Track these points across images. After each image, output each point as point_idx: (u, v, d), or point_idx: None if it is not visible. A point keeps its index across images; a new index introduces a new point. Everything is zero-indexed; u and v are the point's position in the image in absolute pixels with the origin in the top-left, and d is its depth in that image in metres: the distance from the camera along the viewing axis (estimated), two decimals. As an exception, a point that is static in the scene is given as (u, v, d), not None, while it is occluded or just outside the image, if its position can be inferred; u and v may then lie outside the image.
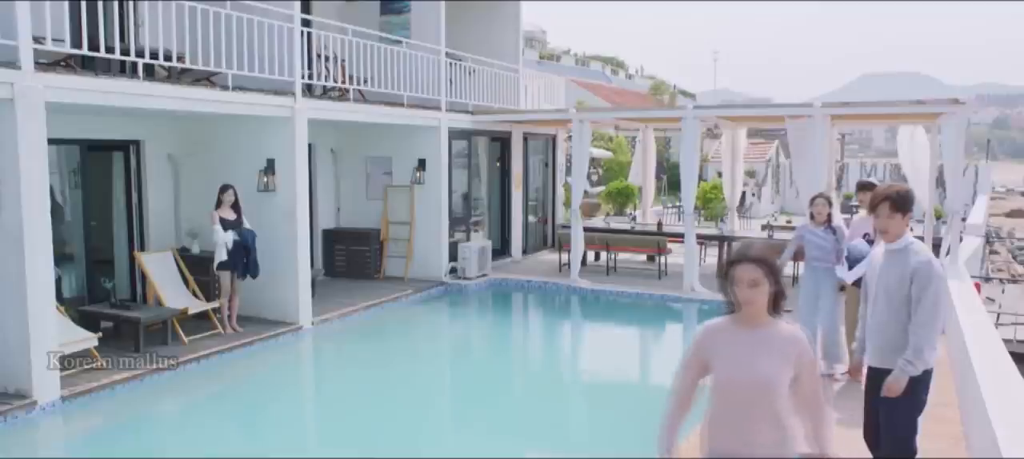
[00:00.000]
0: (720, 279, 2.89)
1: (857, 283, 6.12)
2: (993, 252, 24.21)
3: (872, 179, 7.98)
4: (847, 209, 15.85)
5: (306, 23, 10.10)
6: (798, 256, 7.72)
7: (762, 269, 2.74)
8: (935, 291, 3.89)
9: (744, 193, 21.02)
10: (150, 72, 8.45)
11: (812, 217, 7.20)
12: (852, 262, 6.65)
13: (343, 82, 11.18)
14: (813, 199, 7.25)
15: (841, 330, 7.13)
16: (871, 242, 6.54)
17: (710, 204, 20.46)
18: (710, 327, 2.93)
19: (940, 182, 16.03)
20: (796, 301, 7.29)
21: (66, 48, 7.04)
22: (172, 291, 9.12)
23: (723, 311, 2.94)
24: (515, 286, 13.00)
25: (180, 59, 8.51)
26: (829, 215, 7.09)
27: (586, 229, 13.36)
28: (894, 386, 3.92)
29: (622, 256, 13.95)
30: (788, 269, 7.84)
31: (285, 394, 8.24)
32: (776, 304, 2.83)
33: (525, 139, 15.04)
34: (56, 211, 8.09)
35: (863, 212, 7.45)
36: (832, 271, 7.04)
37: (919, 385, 3.96)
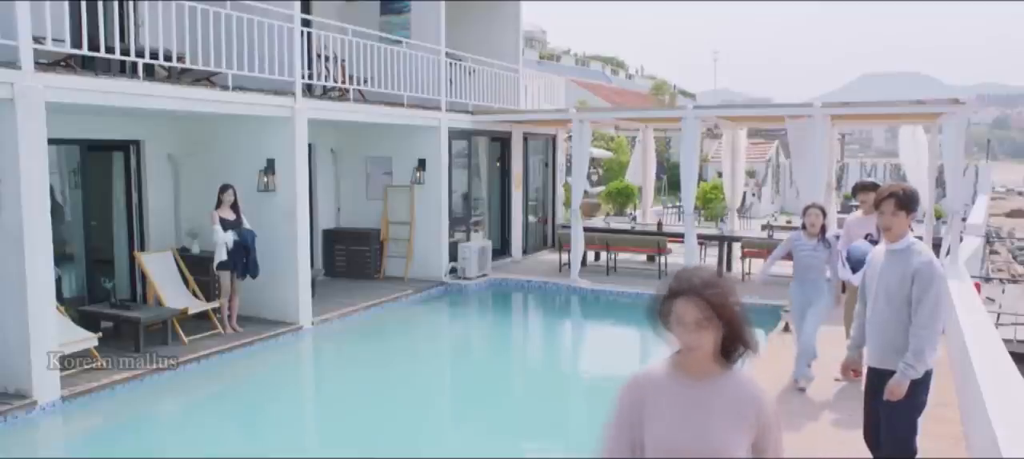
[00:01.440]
0: (655, 315, 2.22)
1: None
2: (993, 252, 24.20)
3: (872, 179, 7.85)
4: (847, 209, 15.85)
5: (306, 23, 10.10)
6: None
7: (709, 305, 2.08)
8: (936, 292, 3.89)
9: (744, 193, 21.03)
10: (150, 72, 8.45)
11: (804, 228, 6.75)
12: (855, 263, 6.53)
13: (343, 82, 11.18)
14: (806, 209, 6.79)
15: (815, 345, 6.73)
16: (875, 242, 6.51)
17: (710, 204, 20.46)
18: (641, 377, 2.26)
19: (940, 182, 16.03)
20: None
21: (66, 48, 7.04)
22: (172, 291, 9.12)
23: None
24: (515, 286, 13.00)
25: (180, 59, 8.51)
26: (823, 226, 6.67)
27: (586, 229, 13.36)
28: (896, 389, 3.91)
29: (622, 256, 13.95)
30: (778, 268, 7.58)
31: (285, 394, 8.24)
32: (730, 349, 2.17)
33: (525, 139, 15.04)
34: (56, 211, 8.09)
35: (860, 212, 7.40)
36: (821, 283, 6.68)
37: (919, 386, 3.96)
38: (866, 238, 6.74)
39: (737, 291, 2.18)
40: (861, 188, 7.34)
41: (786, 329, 8.49)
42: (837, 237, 7.03)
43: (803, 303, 6.76)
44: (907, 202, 4.02)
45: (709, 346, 2.13)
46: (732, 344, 2.16)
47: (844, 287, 7.13)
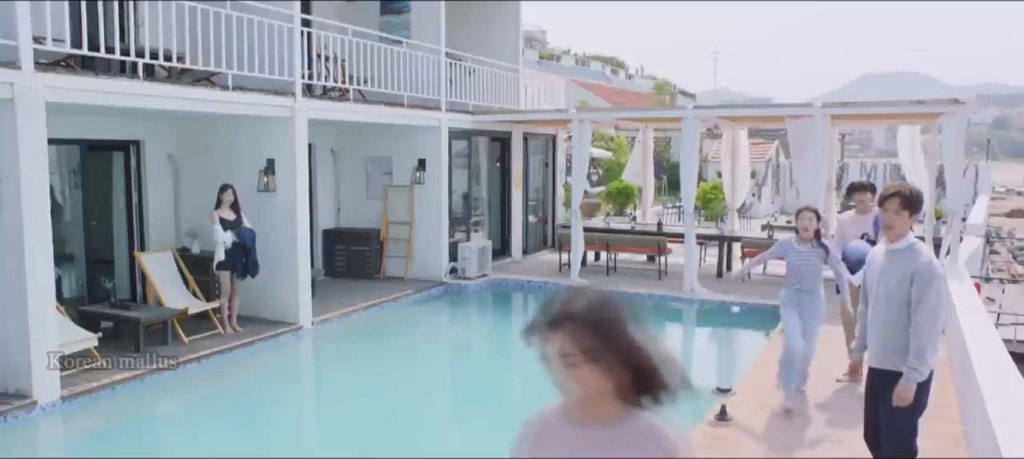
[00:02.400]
0: (530, 336, 1.77)
1: None
2: (993, 252, 24.20)
3: (866, 180, 7.71)
4: (847, 209, 15.85)
5: (306, 23, 10.10)
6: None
7: (582, 339, 1.65)
8: (936, 293, 3.88)
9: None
10: (150, 72, 8.45)
11: (796, 232, 6.26)
12: (854, 264, 6.46)
13: (343, 82, 11.18)
14: (798, 212, 6.28)
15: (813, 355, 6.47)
16: (872, 242, 6.49)
17: (710, 204, 20.46)
18: (535, 414, 1.94)
19: (940, 182, 16.04)
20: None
21: (66, 48, 7.04)
22: (172, 291, 9.12)
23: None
24: (515, 286, 13.00)
25: (180, 59, 8.51)
26: (817, 231, 6.18)
27: (586, 229, 13.36)
28: (904, 395, 3.90)
29: (622, 256, 13.94)
30: (775, 268, 7.33)
31: (285, 394, 8.24)
32: (640, 390, 1.70)
33: (525, 139, 15.04)
34: (56, 211, 8.09)
35: (851, 212, 7.35)
36: (816, 292, 6.23)
37: (921, 387, 3.95)
38: (862, 238, 6.69)
39: (628, 319, 1.69)
40: (856, 188, 7.14)
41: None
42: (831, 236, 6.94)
43: (797, 314, 6.29)
44: (912, 202, 4.00)
45: (593, 387, 1.69)
46: (640, 384, 1.69)
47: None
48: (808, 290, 6.21)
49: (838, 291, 6.57)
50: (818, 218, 6.24)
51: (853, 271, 6.39)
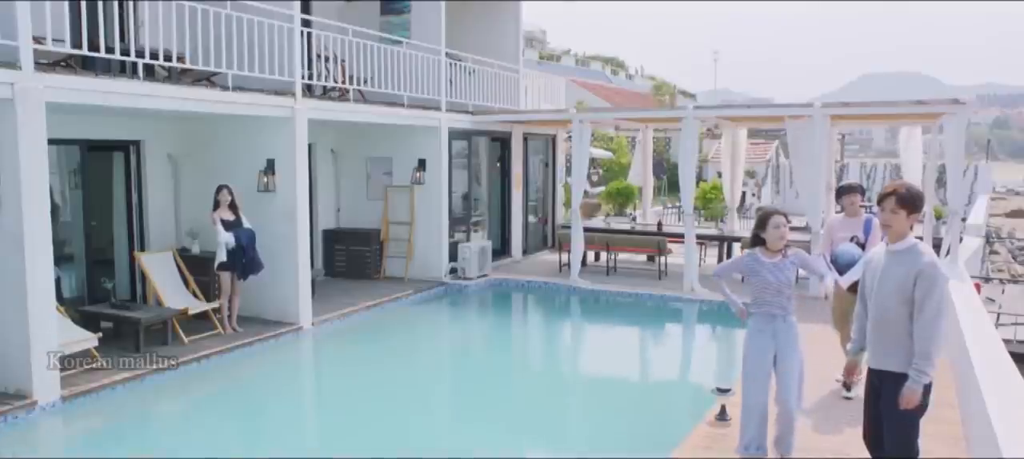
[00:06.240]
0: None
1: (852, 288, 6.00)
2: (993, 252, 24.19)
3: (852, 182, 7.62)
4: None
5: (306, 23, 10.10)
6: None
7: None
8: (940, 293, 3.87)
9: (744, 193, 21.05)
10: (150, 72, 8.45)
11: (762, 243, 5.03)
12: (843, 266, 6.38)
13: (343, 82, 11.18)
14: (767, 218, 5.07)
15: (801, 412, 5.27)
16: (861, 244, 6.48)
17: (710, 204, 20.45)
18: None
19: (940, 182, 16.05)
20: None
21: (66, 48, 7.04)
22: (172, 291, 9.12)
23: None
24: (515, 286, 13.00)
25: (180, 59, 8.51)
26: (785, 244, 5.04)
27: (586, 229, 13.36)
28: (911, 397, 3.87)
29: (622, 256, 13.95)
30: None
31: (285, 394, 8.23)
32: None
33: (525, 139, 15.05)
34: (56, 211, 8.09)
35: (841, 215, 7.32)
36: (791, 317, 5.02)
37: (924, 388, 3.95)
38: (851, 240, 6.66)
39: None
40: (845, 190, 6.99)
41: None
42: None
43: (767, 349, 5.00)
44: (910, 201, 3.97)
45: None
46: None
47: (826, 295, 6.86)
48: (781, 315, 4.98)
49: (826, 297, 6.33)
50: (788, 224, 5.16)
51: (842, 272, 6.36)
